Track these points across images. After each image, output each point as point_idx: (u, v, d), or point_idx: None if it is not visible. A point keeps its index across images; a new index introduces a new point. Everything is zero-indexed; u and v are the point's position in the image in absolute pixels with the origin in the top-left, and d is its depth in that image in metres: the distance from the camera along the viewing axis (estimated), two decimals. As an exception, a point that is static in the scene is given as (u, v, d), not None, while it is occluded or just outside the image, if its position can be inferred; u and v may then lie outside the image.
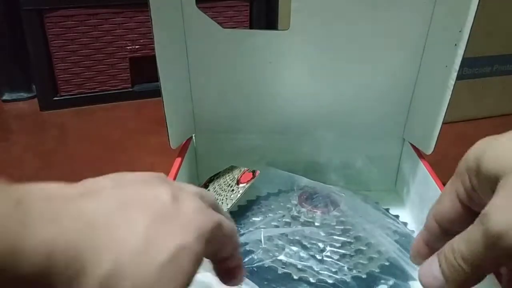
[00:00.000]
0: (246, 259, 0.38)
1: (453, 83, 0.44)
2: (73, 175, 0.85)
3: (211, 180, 0.50)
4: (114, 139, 0.85)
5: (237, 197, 0.44)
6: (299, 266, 0.38)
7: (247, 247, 0.40)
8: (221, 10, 1.00)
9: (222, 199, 0.45)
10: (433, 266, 0.25)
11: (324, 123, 0.51)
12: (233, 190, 0.45)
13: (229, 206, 0.43)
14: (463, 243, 0.23)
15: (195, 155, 0.51)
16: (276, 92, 0.48)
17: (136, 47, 0.98)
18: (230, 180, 0.47)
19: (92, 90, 0.99)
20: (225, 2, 0.99)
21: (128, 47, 0.98)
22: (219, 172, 0.50)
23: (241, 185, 0.46)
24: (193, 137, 0.50)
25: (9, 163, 0.77)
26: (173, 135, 0.45)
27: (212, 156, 0.51)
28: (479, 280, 0.23)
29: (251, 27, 1.03)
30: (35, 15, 0.87)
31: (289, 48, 0.45)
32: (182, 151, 0.46)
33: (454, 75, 0.43)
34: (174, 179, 0.40)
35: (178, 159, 0.44)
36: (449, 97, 0.44)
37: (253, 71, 0.47)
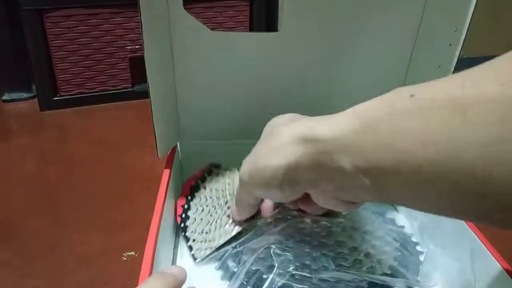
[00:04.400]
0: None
1: (449, 83, 0.43)
2: (73, 175, 0.85)
3: (197, 186, 0.43)
4: (114, 139, 0.85)
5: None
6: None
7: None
8: (221, 10, 0.99)
9: (215, 211, 0.39)
10: None
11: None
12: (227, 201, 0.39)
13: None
14: None
15: (180, 164, 0.49)
16: (265, 96, 0.47)
17: (136, 47, 0.98)
18: (229, 185, 0.42)
19: (92, 90, 0.99)
20: (225, 2, 0.99)
21: (128, 47, 0.98)
22: (211, 172, 0.45)
23: None
24: (178, 145, 0.48)
25: (9, 163, 0.77)
26: (161, 144, 0.42)
27: (197, 165, 0.47)
28: None
29: (251, 27, 1.03)
30: (35, 15, 0.88)
31: (279, 51, 0.44)
32: (168, 161, 0.42)
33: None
34: (166, 192, 0.37)
35: (167, 171, 0.41)
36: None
37: (241, 76, 0.45)
